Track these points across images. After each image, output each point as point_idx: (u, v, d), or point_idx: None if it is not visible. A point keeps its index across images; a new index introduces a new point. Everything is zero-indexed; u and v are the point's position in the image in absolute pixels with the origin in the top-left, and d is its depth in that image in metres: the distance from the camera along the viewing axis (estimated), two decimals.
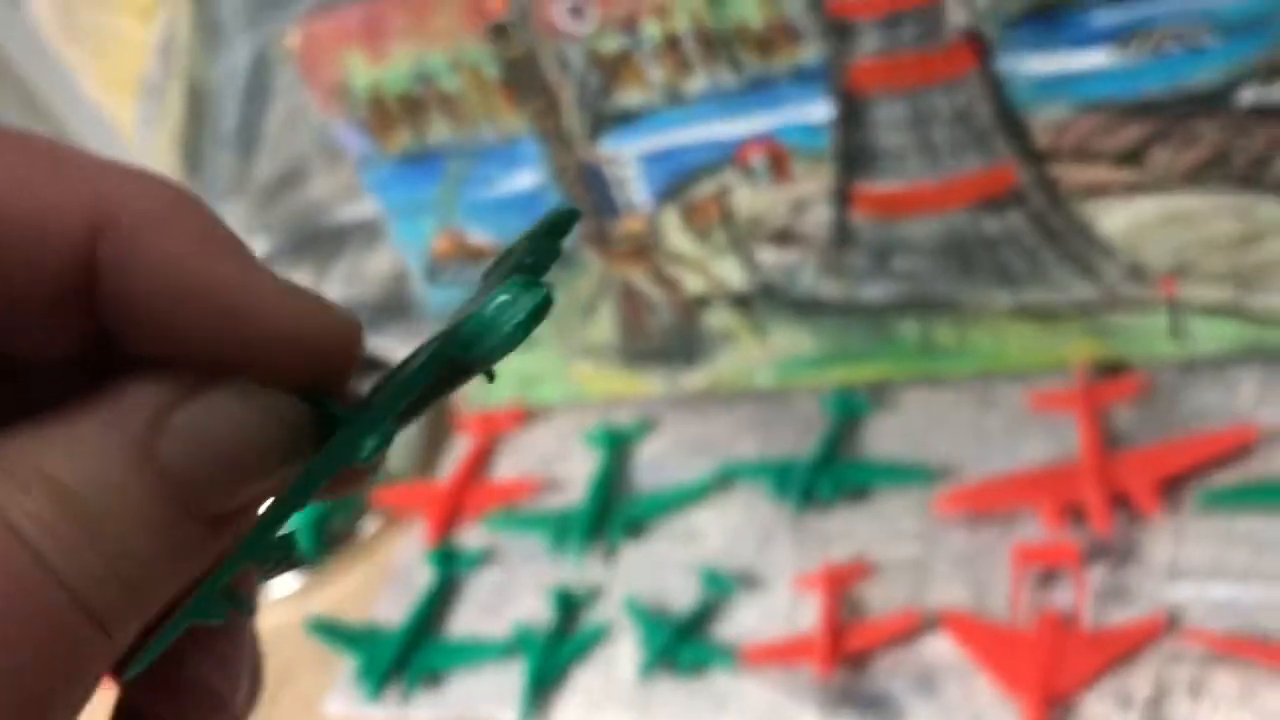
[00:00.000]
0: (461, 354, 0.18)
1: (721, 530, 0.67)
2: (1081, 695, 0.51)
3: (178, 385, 0.18)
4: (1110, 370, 0.63)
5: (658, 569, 0.66)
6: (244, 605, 0.19)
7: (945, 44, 0.57)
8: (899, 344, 0.67)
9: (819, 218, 0.65)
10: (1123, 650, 0.52)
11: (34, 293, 0.17)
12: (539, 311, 0.18)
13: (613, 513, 0.69)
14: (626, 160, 0.67)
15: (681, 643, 0.60)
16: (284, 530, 0.19)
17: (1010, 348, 0.65)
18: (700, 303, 0.71)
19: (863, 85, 0.60)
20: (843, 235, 0.65)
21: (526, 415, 0.80)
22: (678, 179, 0.66)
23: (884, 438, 0.67)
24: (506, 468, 0.78)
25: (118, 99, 0.86)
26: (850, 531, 0.63)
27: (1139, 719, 0.50)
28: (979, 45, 0.56)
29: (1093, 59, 0.55)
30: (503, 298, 0.18)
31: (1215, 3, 0.52)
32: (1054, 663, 0.52)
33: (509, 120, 0.69)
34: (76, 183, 0.17)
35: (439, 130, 0.71)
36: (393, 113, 0.71)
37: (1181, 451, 0.57)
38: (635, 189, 0.68)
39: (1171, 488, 0.56)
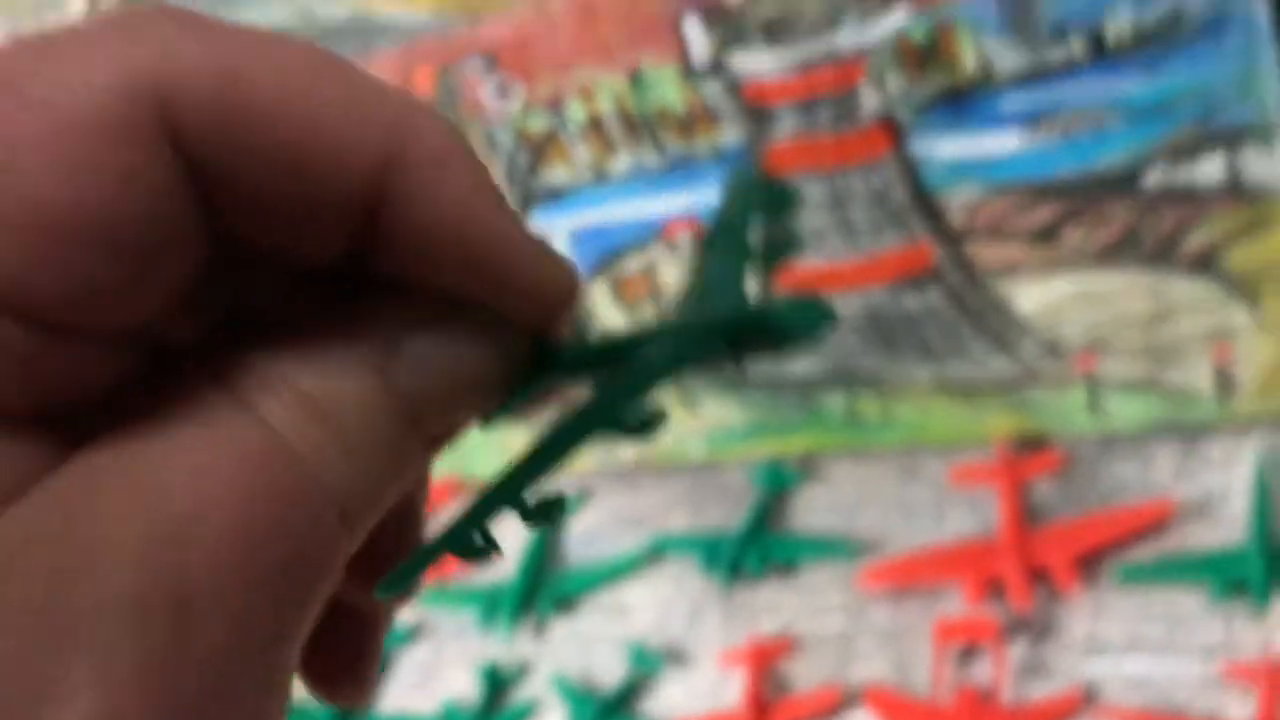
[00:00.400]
0: (732, 349, 0.19)
1: (651, 604, 0.67)
2: None
3: (416, 312, 0.19)
4: (1030, 445, 0.64)
5: (586, 644, 0.66)
6: (497, 546, 0.20)
7: (860, 128, 0.58)
8: (826, 417, 0.68)
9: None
10: None
11: (324, 211, 0.18)
12: (824, 334, 0.18)
13: (543, 587, 0.69)
14: (556, 236, 0.68)
15: None
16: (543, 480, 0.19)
17: (933, 421, 0.65)
18: None
19: (782, 166, 0.61)
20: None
21: (460, 488, 0.80)
22: (606, 255, 0.67)
23: (811, 510, 0.67)
24: None
25: None
26: (777, 605, 0.63)
27: None
28: (893, 129, 0.58)
29: (1003, 143, 0.56)
30: (793, 315, 0.18)
31: (1120, 88, 0.53)
32: None
33: None
34: (376, 111, 0.17)
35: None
36: None
37: (1100, 526, 0.58)
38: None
39: (1090, 562, 0.57)
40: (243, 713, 0.16)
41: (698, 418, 0.71)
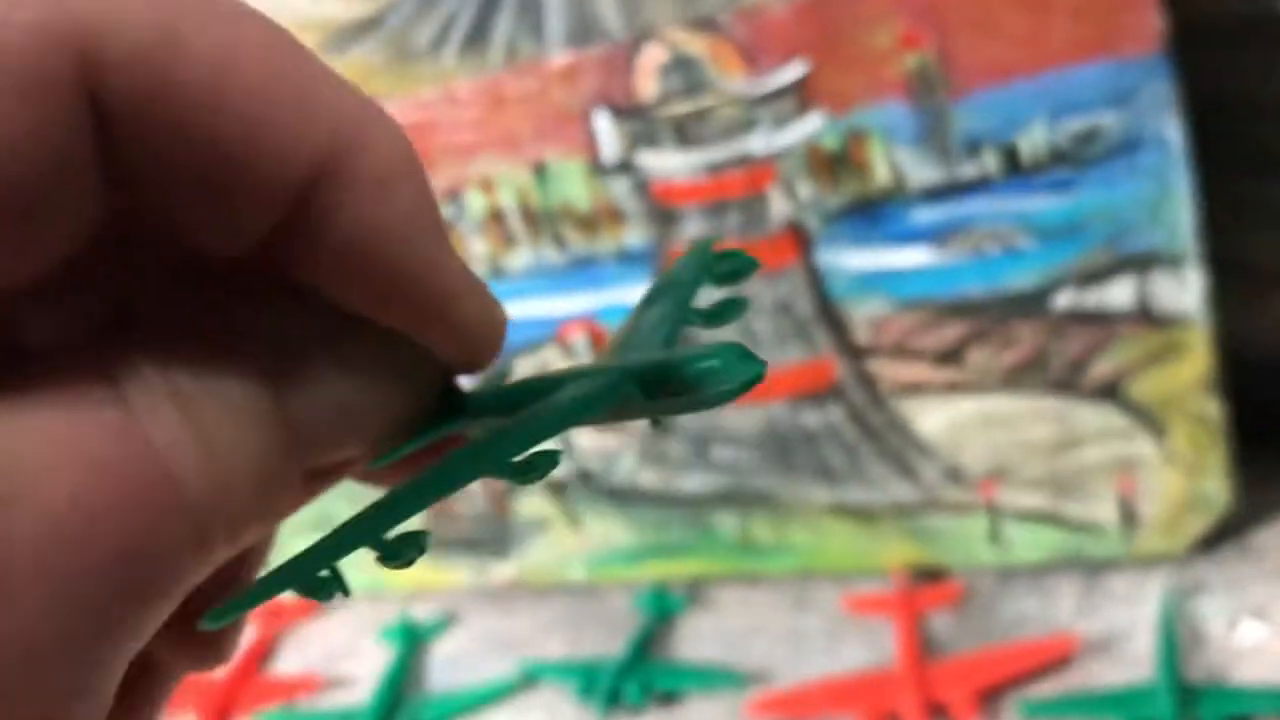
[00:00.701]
0: (647, 399, 0.18)
1: None
2: None
3: (322, 327, 0.17)
4: (928, 575, 0.61)
5: None
6: (345, 585, 0.17)
7: (768, 234, 0.57)
8: (717, 538, 0.64)
9: None
10: None
11: (244, 206, 0.16)
12: (749, 387, 0.17)
13: (400, 714, 0.63)
14: None
15: None
16: (407, 524, 0.17)
17: (829, 547, 0.62)
18: (514, 489, 0.67)
19: None
20: (663, 423, 0.62)
21: (316, 605, 0.74)
22: (503, 355, 0.64)
23: (698, 639, 0.63)
24: (288, 662, 0.71)
25: None
26: None
27: None
28: (801, 237, 0.56)
29: (912, 256, 0.55)
30: (713, 362, 0.17)
31: (1031, 206, 0.53)
32: None
33: None
34: (325, 111, 0.16)
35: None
36: None
37: (1000, 661, 0.55)
38: None
39: (990, 698, 0.54)
40: (45, 706, 0.14)
41: (579, 536, 0.67)
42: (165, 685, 0.21)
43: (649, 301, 0.21)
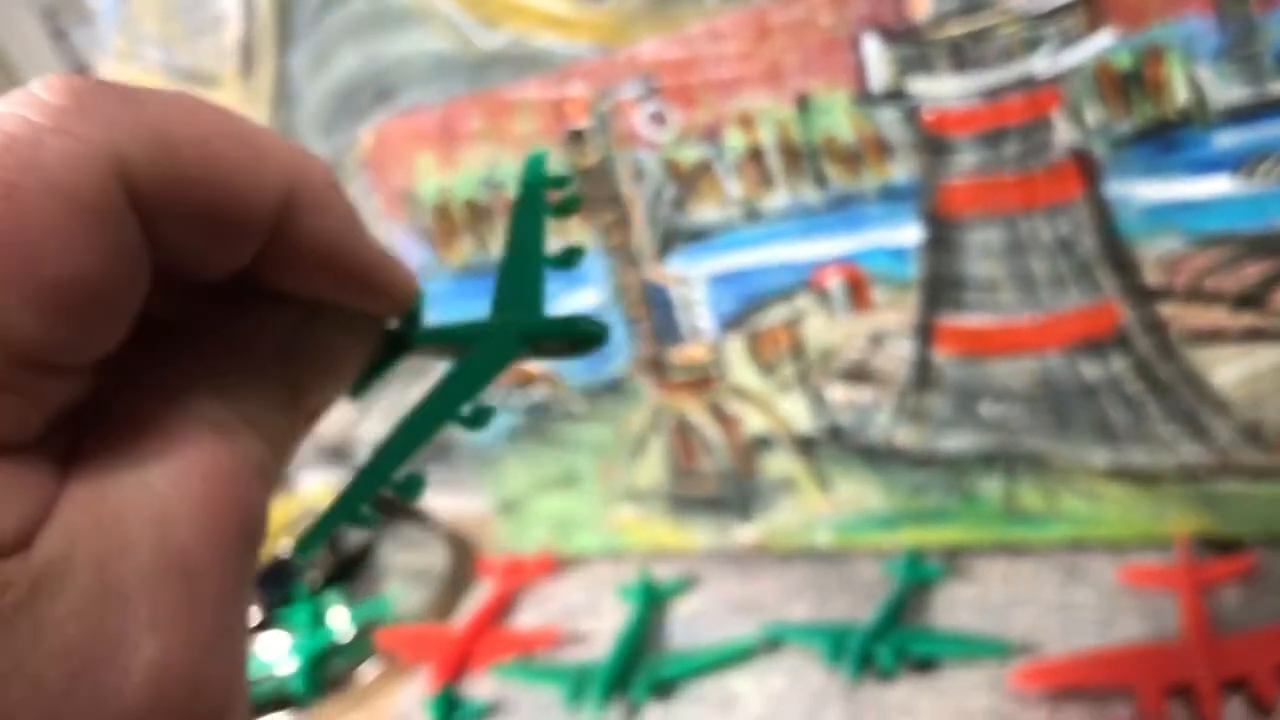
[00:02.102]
0: (535, 354, 0.26)
1: (763, 697, 0.58)
2: None
3: (300, 314, 0.24)
4: (1217, 546, 0.55)
5: None
6: (378, 517, 0.25)
7: (1050, 165, 0.53)
8: (979, 504, 0.60)
9: (898, 354, 0.59)
10: None
11: (236, 240, 0.22)
12: (602, 344, 0.25)
13: (639, 669, 0.62)
14: (694, 281, 0.63)
15: None
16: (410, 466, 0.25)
17: (1105, 515, 0.57)
18: (760, 445, 0.65)
19: (956, 207, 0.55)
20: (924, 375, 0.59)
21: (557, 564, 0.73)
22: (747, 303, 0.62)
23: (955, 609, 0.59)
24: (528, 617, 0.70)
25: None
26: (912, 707, 0.54)
27: None
28: (1087, 167, 0.52)
29: (1212, 186, 0.50)
30: (583, 322, 0.25)
31: None
32: None
33: (576, 234, 0.65)
34: (274, 162, 0.22)
35: (502, 241, 0.67)
36: (457, 221, 0.68)
37: None
38: (700, 313, 0.63)
39: None
40: (236, 641, 0.21)
41: (829, 499, 0.64)
42: None
43: (510, 223, 0.28)
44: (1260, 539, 0.55)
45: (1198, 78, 0.49)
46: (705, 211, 0.61)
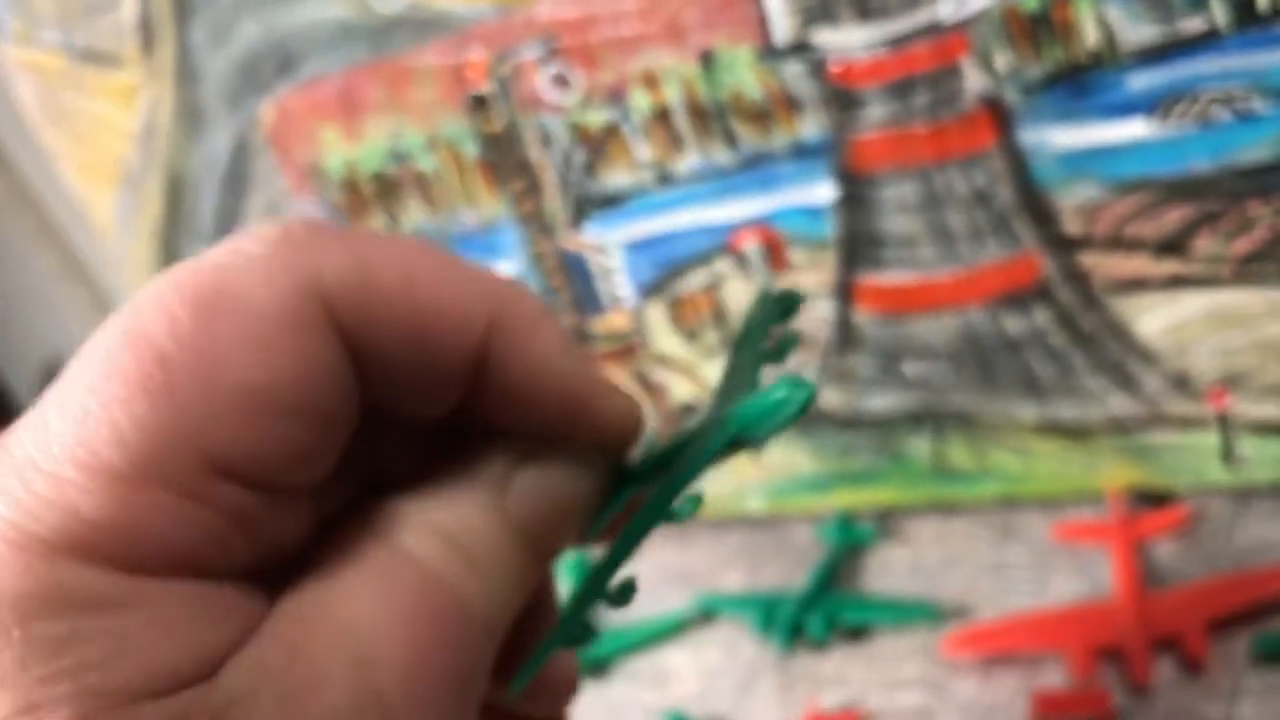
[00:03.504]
0: (743, 435, 0.24)
1: (696, 672, 0.57)
2: None
3: (521, 450, 0.23)
4: (1150, 499, 0.54)
5: (617, 714, 0.57)
6: (596, 632, 0.25)
7: (961, 114, 0.51)
8: (908, 465, 0.59)
9: (819, 315, 0.57)
10: None
11: (442, 371, 0.22)
12: (807, 406, 0.23)
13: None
14: (610, 248, 0.61)
15: None
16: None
17: (1035, 470, 0.56)
18: (687, 413, 0.63)
19: (868, 162, 0.53)
20: (846, 335, 0.57)
21: None
22: (666, 269, 0.60)
23: (888, 572, 0.58)
24: None
25: (97, 189, 0.82)
26: (844, 676, 0.53)
27: None
28: (999, 115, 0.50)
29: (1128, 130, 0.48)
30: (780, 394, 0.23)
31: (1269, 63, 0.45)
32: None
33: (487, 204, 0.63)
34: (477, 289, 0.22)
35: (414, 215, 0.65)
36: (366, 195, 0.66)
37: (1236, 590, 0.48)
38: (619, 281, 0.61)
39: (1224, 632, 0.47)
40: None
41: (758, 464, 0.63)
42: None
43: (733, 351, 0.28)
44: (1193, 490, 0.53)
45: (1107, 17, 0.47)
46: (617, 176, 0.59)
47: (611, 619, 0.62)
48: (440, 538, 0.21)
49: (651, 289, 0.61)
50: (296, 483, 0.21)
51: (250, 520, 0.20)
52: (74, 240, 1.17)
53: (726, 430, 0.24)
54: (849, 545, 0.59)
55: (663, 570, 0.64)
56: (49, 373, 1.31)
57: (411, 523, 0.22)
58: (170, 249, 0.82)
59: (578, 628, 0.24)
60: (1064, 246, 0.51)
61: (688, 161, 0.57)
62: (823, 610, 0.56)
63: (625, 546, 0.24)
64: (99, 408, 0.19)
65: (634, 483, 0.25)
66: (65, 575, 0.18)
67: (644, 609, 0.61)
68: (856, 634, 0.55)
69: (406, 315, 0.21)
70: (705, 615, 0.59)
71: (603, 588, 0.24)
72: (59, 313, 1.22)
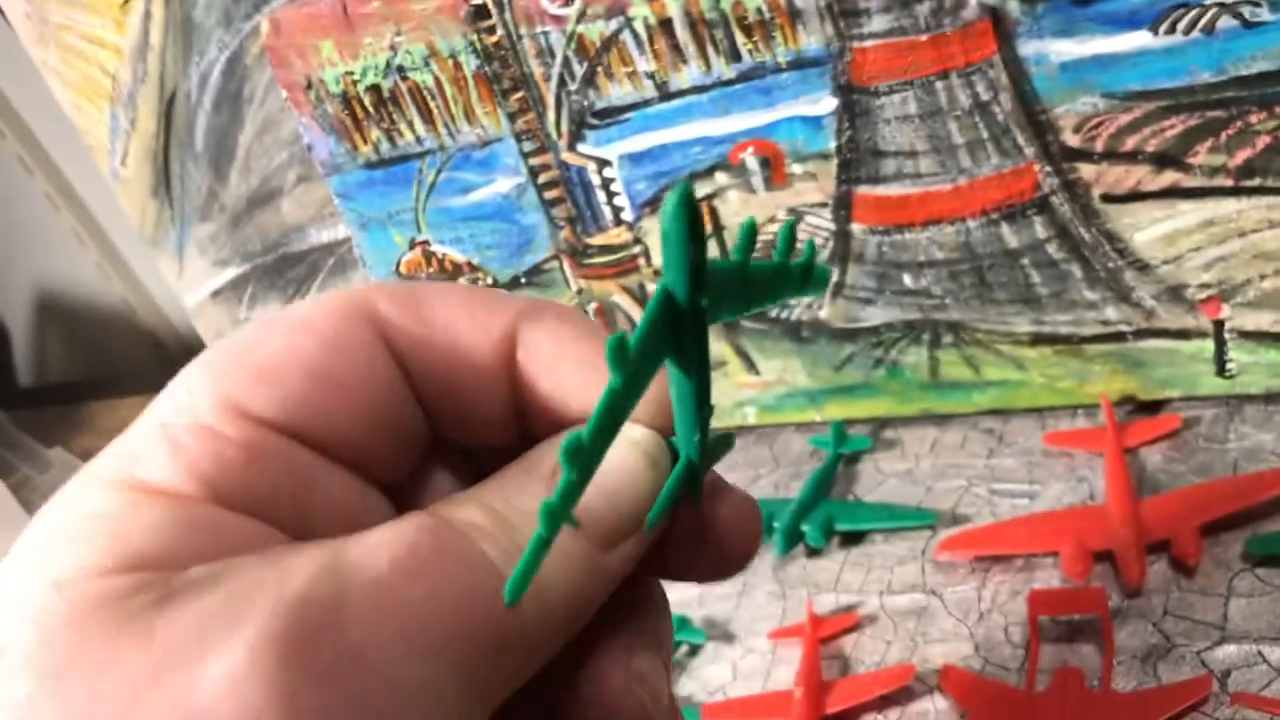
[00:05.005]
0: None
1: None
2: None
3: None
4: (1142, 408, 0.55)
5: None
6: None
7: (962, 25, 0.51)
8: (904, 376, 0.60)
9: (817, 228, 0.58)
10: (1160, 718, 0.43)
11: (473, 389, 0.24)
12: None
13: None
14: (611, 162, 0.61)
15: None
16: None
17: (1029, 381, 0.57)
18: None
19: (869, 73, 0.53)
20: (844, 248, 0.58)
21: None
22: (664, 183, 0.60)
23: (882, 481, 0.59)
24: None
25: (88, 108, 0.81)
26: (841, 581, 0.54)
27: None
28: (1001, 25, 0.50)
29: (1128, 41, 0.49)
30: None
31: None
32: None
33: (486, 119, 0.63)
34: (501, 306, 0.24)
35: (412, 131, 0.65)
36: (364, 110, 0.66)
37: (1228, 495, 0.49)
38: (619, 195, 0.62)
39: (1216, 537, 0.48)
40: None
41: (754, 377, 0.63)
42: None
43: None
44: (1184, 399, 0.54)
45: None
46: (616, 90, 0.59)
47: None
48: (479, 505, 0.22)
49: (651, 202, 0.61)
50: (340, 454, 0.23)
51: (314, 485, 0.23)
52: (64, 165, 1.16)
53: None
54: (843, 454, 0.60)
55: None
56: (40, 299, 1.30)
57: (457, 500, 0.22)
58: (163, 169, 0.82)
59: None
60: (1063, 158, 0.52)
61: (688, 74, 0.57)
62: (817, 517, 0.57)
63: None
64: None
65: (703, 462, 0.25)
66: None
67: None
68: (852, 540, 0.56)
69: (440, 332, 0.23)
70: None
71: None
72: (49, 239, 1.21)
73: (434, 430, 0.25)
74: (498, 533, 0.21)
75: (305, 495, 0.22)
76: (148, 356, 1.22)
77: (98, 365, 1.28)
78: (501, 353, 0.24)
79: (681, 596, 0.57)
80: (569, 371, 0.24)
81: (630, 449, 0.23)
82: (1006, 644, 0.48)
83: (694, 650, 0.54)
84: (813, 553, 0.56)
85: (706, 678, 0.53)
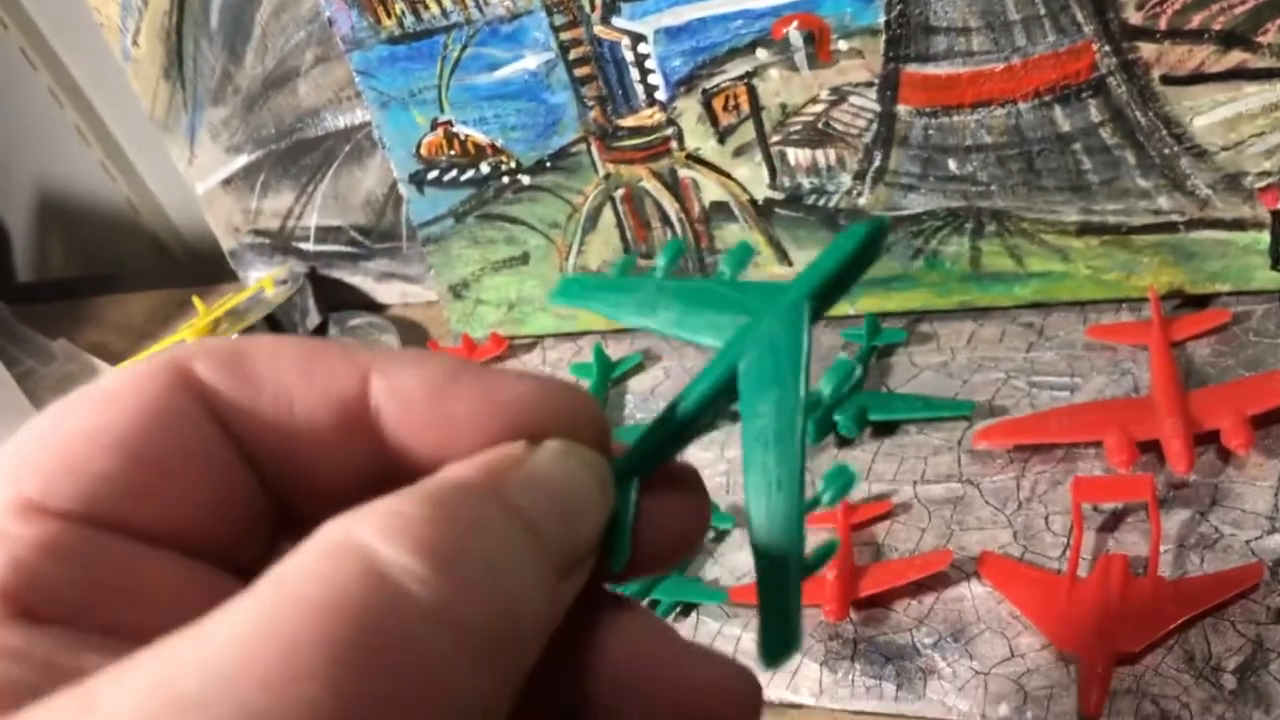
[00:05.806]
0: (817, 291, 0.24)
1: (720, 466, 0.57)
2: (1155, 657, 0.41)
3: (514, 449, 0.21)
4: (1190, 302, 0.54)
5: None
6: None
7: None
8: (942, 267, 0.58)
9: (861, 110, 0.56)
10: (1208, 605, 0.42)
11: (315, 455, 0.21)
12: (878, 237, 0.23)
13: None
14: (646, 37, 0.59)
15: (670, 582, 0.50)
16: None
17: (1074, 272, 0.55)
18: (718, 213, 0.62)
19: None
20: (888, 131, 0.56)
21: (510, 345, 0.71)
22: (702, 60, 0.58)
23: (917, 374, 0.57)
24: None
25: None
26: (875, 471, 0.53)
27: (1230, 687, 0.39)
28: None
29: None
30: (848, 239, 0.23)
31: None
32: (1120, 617, 0.42)
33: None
34: (339, 364, 0.21)
35: (438, 3, 0.62)
36: None
37: (1275, 387, 0.47)
38: (653, 73, 0.59)
39: (1268, 428, 0.47)
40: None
41: (787, 267, 0.62)
42: None
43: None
44: (1234, 293, 0.53)
45: None
46: None
47: (636, 420, 0.61)
48: (378, 512, 0.18)
49: (686, 80, 0.59)
50: (208, 547, 0.21)
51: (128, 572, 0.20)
52: (69, 60, 1.14)
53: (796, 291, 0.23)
54: (877, 346, 0.59)
55: (682, 374, 0.63)
56: (41, 198, 1.28)
57: (353, 514, 0.18)
58: (176, 49, 0.79)
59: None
60: (1124, 36, 0.50)
61: None
62: (850, 408, 0.55)
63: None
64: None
65: (645, 469, 0.23)
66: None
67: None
68: (886, 430, 0.55)
69: (268, 392, 0.21)
70: (732, 414, 0.59)
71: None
72: (52, 137, 1.18)
73: (279, 501, 0.22)
74: (398, 541, 0.18)
75: (133, 589, 0.20)
76: (151, 258, 1.20)
77: (100, 265, 1.26)
78: (347, 413, 0.21)
79: (708, 484, 0.56)
80: (439, 419, 0.21)
81: (583, 468, 0.21)
82: (1047, 532, 0.47)
83: (720, 536, 0.53)
84: (844, 443, 0.55)
85: (734, 563, 0.51)
